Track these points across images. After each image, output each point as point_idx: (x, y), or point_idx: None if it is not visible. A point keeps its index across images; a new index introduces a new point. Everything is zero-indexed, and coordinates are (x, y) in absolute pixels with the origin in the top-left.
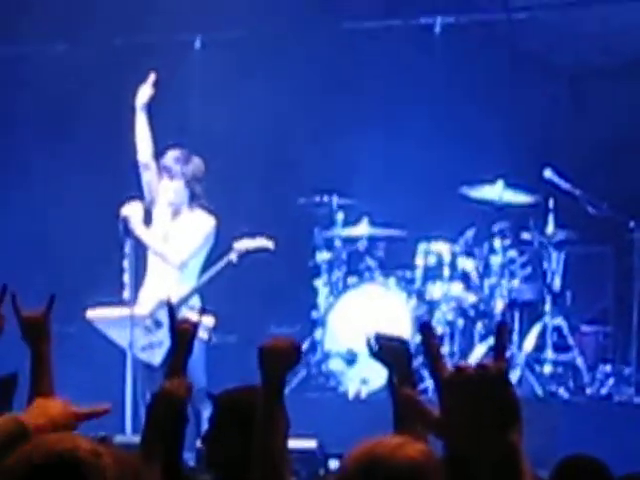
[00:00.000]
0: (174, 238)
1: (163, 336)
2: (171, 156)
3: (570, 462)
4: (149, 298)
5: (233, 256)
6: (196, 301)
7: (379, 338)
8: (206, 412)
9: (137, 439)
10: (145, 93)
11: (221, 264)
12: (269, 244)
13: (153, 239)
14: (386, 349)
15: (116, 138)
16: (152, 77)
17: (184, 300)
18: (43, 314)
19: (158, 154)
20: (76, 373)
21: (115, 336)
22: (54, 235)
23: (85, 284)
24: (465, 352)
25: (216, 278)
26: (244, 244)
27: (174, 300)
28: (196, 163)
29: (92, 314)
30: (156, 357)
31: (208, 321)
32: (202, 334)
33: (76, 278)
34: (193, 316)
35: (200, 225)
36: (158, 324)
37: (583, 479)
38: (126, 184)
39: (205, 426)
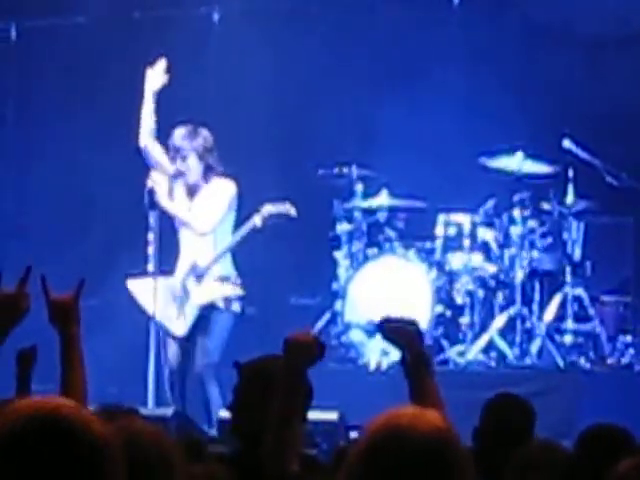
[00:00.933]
0: (198, 208)
1: (187, 307)
2: (178, 135)
3: (595, 431)
4: (184, 269)
5: (257, 220)
6: (230, 270)
7: (389, 321)
8: (212, 388)
9: (160, 412)
10: (156, 80)
11: (246, 228)
12: (292, 210)
13: (179, 209)
14: (397, 331)
15: (136, 110)
16: (162, 63)
17: (211, 264)
18: (73, 298)
19: (164, 134)
20: (99, 347)
21: (148, 306)
22: (76, 207)
23: (109, 257)
24: (485, 322)
25: (241, 242)
26: (268, 208)
27: (204, 265)
28: (204, 135)
29: (132, 285)
30: (180, 328)
31: (237, 291)
32: (235, 307)
33: (100, 251)
34: (219, 286)
35: (221, 191)
36: (187, 294)
37: (609, 448)
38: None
39: (213, 400)
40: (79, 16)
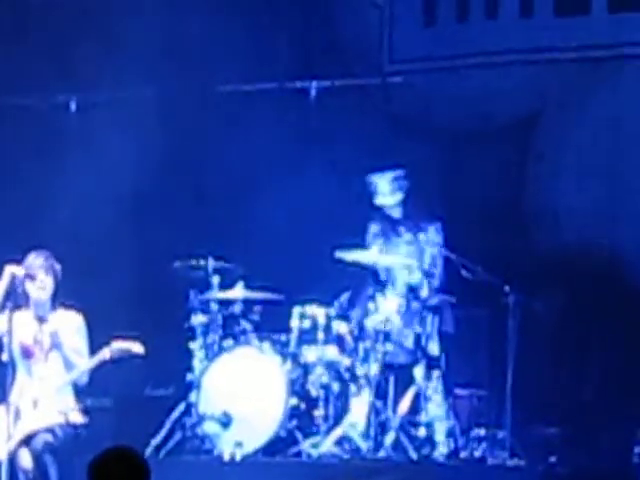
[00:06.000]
0: (50, 346)
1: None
2: (34, 256)
3: None
4: (22, 394)
5: (106, 353)
6: (70, 399)
7: None
8: (52, 469)
9: None
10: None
11: (94, 361)
12: (140, 349)
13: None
14: None
15: None
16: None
17: (52, 394)
18: None
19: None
20: None
21: None
22: None
23: None
24: (340, 415)
25: (87, 373)
26: (118, 345)
27: (42, 394)
28: (59, 265)
29: None
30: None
31: (75, 419)
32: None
33: None
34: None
35: (73, 325)
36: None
37: None
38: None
39: None
40: None
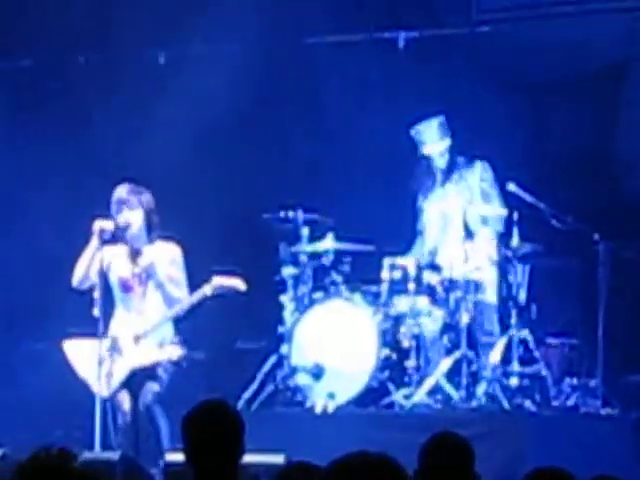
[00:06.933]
0: (147, 278)
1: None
2: (124, 189)
3: (538, 474)
4: (121, 329)
5: (207, 290)
6: (169, 332)
7: None
8: (162, 420)
9: (106, 456)
10: (107, 226)
11: (195, 297)
12: (242, 285)
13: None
14: None
15: (83, 151)
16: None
17: (155, 327)
18: None
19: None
20: (47, 387)
21: (80, 368)
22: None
23: (54, 302)
24: (432, 366)
25: (189, 310)
26: (219, 280)
27: (143, 330)
28: (148, 195)
29: (68, 347)
30: (105, 389)
31: (176, 353)
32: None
33: (44, 294)
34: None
35: (170, 257)
36: (120, 354)
37: None
38: (91, 200)
39: (163, 433)
40: (24, 59)
